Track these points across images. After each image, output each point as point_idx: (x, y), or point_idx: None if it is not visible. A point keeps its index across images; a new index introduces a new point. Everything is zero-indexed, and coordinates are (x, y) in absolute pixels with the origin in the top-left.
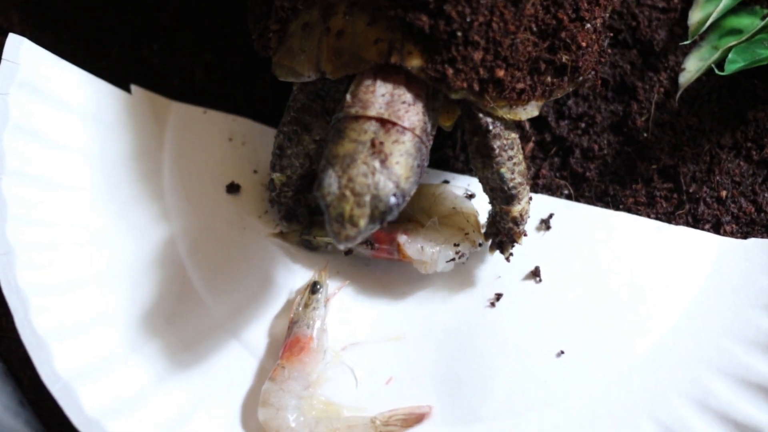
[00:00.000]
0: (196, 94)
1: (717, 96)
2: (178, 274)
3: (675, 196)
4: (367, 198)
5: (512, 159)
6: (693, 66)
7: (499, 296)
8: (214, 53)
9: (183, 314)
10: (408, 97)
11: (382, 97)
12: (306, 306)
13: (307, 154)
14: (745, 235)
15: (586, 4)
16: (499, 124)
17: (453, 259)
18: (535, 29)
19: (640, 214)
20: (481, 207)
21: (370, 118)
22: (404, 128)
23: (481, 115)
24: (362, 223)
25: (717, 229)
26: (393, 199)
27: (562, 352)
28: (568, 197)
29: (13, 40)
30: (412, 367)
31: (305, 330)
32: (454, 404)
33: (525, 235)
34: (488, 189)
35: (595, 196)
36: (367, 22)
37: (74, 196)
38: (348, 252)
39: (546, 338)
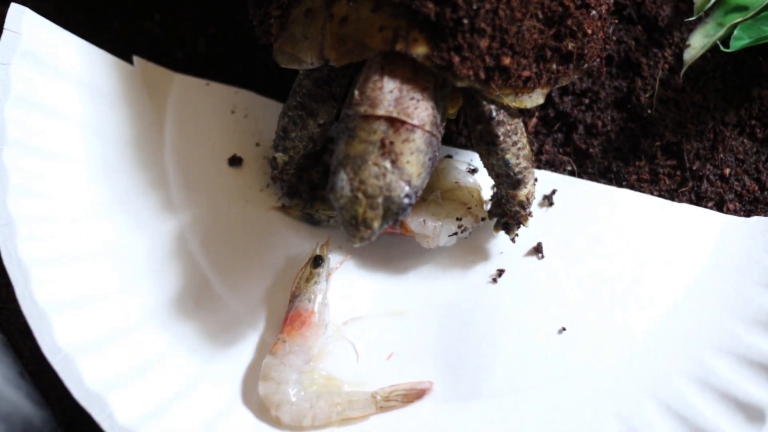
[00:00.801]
0: (198, 66)
1: (722, 73)
2: (180, 247)
3: (678, 173)
4: (380, 199)
5: (516, 144)
6: (698, 42)
7: (501, 272)
8: (217, 25)
9: (184, 288)
10: (416, 91)
11: (390, 93)
12: (307, 280)
13: (311, 137)
14: (748, 213)
15: None
16: (502, 111)
17: (455, 234)
18: (541, 16)
19: (643, 191)
20: (484, 182)
21: (379, 117)
22: (414, 126)
23: (484, 102)
24: (376, 224)
25: (720, 206)
26: (406, 200)
27: (564, 329)
28: (571, 173)
29: (15, 9)
30: (413, 342)
31: (306, 304)
32: (454, 380)
33: (531, 216)
34: (494, 175)
35: (598, 172)
36: (372, 8)
37: (75, 168)
38: None
39: (548, 315)
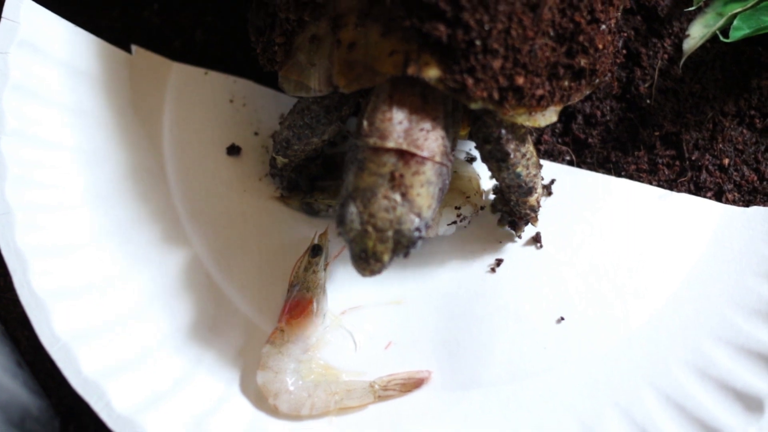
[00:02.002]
0: (196, 55)
1: (721, 63)
2: (177, 235)
3: (677, 163)
4: (390, 233)
5: (525, 155)
6: (697, 32)
7: (499, 261)
8: (215, 14)
9: (182, 277)
10: (426, 121)
11: (399, 124)
12: (306, 269)
13: (314, 148)
14: (747, 204)
15: (600, 5)
16: (511, 128)
17: (454, 222)
18: (552, 34)
19: (642, 181)
20: (483, 171)
21: (388, 150)
22: (424, 158)
23: (492, 123)
24: (386, 258)
25: (719, 197)
26: (416, 233)
27: (563, 319)
28: (570, 163)
29: None
30: (412, 331)
31: (305, 293)
32: (453, 369)
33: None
34: (504, 186)
35: (597, 162)
36: (381, 33)
37: (73, 157)
38: None
39: (546, 304)
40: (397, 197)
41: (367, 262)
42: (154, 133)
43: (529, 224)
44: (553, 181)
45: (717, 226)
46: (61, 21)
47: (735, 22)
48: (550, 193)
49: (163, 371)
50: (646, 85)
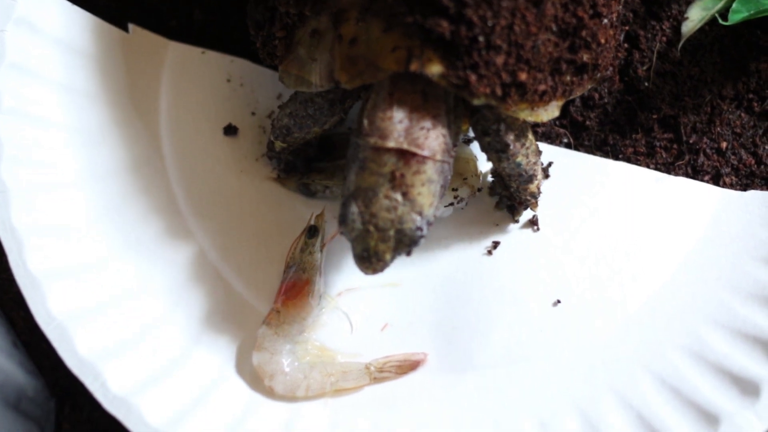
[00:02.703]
0: (193, 34)
1: (719, 46)
2: (174, 216)
3: (675, 146)
4: (392, 232)
5: (525, 144)
6: (696, 15)
7: (496, 244)
8: None
9: (178, 257)
10: (427, 119)
11: (399, 123)
12: (302, 250)
13: (314, 136)
14: (744, 187)
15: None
16: (509, 120)
17: (451, 204)
18: (555, 29)
19: (640, 164)
20: (480, 152)
21: (389, 149)
22: (425, 157)
23: (491, 116)
24: (388, 257)
25: (716, 180)
26: (418, 232)
27: (559, 302)
28: (568, 146)
29: None
30: (408, 313)
31: (301, 274)
32: (449, 352)
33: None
34: (505, 174)
35: (594, 145)
36: (383, 28)
37: (70, 136)
38: None
39: (543, 287)
40: (398, 197)
41: (370, 261)
42: (150, 113)
43: (528, 210)
44: (550, 164)
45: (714, 209)
46: None
47: (734, 5)
48: (547, 176)
49: (159, 352)
50: (645, 67)
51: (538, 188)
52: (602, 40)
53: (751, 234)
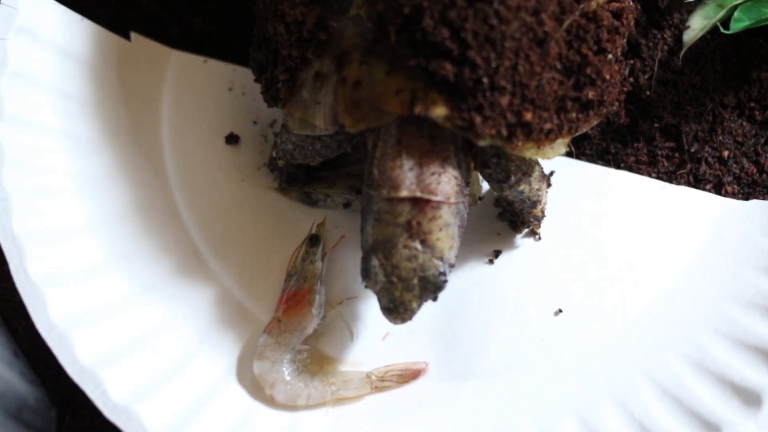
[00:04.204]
0: (195, 43)
1: (721, 55)
2: (175, 225)
3: (677, 155)
4: (415, 281)
5: (527, 172)
6: (697, 24)
7: (498, 253)
8: (214, 2)
9: (179, 265)
10: (436, 164)
11: (410, 171)
12: (303, 259)
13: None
14: (746, 196)
15: (606, 35)
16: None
17: None
18: (559, 67)
19: (641, 173)
20: None
21: (402, 199)
22: (439, 202)
23: (490, 149)
24: (415, 305)
25: (718, 189)
26: (441, 278)
27: (560, 311)
28: (569, 155)
29: None
30: (409, 322)
31: (302, 284)
32: (450, 360)
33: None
34: (509, 201)
35: (596, 154)
36: (386, 71)
37: (71, 144)
38: (347, 205)
39: (544, 296)
40: (417, 245)
41: (398, 312)
42: (152, 121)
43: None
44: (552, 173)
45: (716, 218)
46: (59, 7)
47: (735, 14)
48: (549, 185)
49: (160, 360)
50: (646, 76)
51: (542, 212)
52: (607, 76)
53: (752, 243)
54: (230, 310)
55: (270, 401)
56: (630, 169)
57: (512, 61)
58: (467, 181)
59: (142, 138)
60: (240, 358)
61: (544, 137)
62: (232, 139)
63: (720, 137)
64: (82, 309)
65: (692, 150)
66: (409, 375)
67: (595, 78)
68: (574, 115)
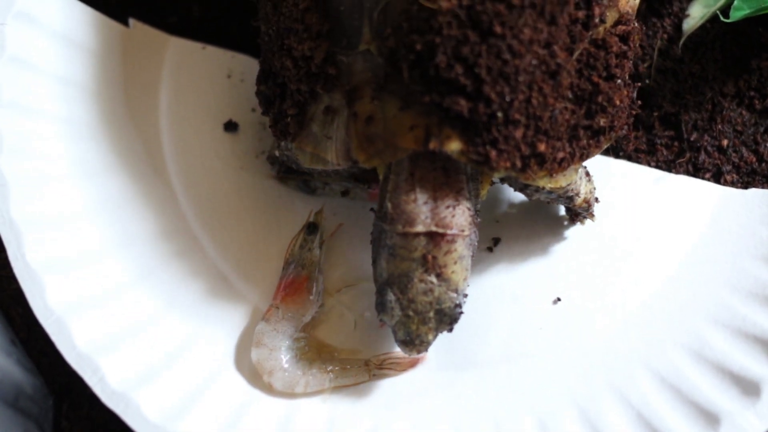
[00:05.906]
0: (194, 29)
1: (721, 44)
2: (173, 211)
3: (676, 144)
4: (431, 314)
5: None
6: (697, 12)
7: (497, 241)
8: None
9: (177, 252)
10: (450, 197)
11: (424, 205)
12: (301, 247)
13: None
14: (745, 185)
15: (615, 60)
16: None
17: None
18: (571, 97)
19: (641, 162)
20: None
21: (417, 234)
22: (454, 236)
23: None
24: (431, 337)
25: (717, 178)
26: (457, 309)
27: (559, 300)
28: None
29: None
30: None
31: (300, 271)
32: (448, 349)
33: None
34: (545, 202)
35: None
36: (399, 107)
37: (69, 129)
38: (345, 193)
39: (543, 285)
40: (433, 278)
41: (414, 344)
42: (150, 108)
43: (531, 201)
44: None
45: (715, 207)
46: None
47: (735, 2)
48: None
49: (157, 347)
50: (646, 65)
51: (587, 201)
52: (617, 102)
53: (752, 232)
54: (228, 298)
55: (268, 388)
56: (629, 158)
57: (526, 94)
58: (477, 209)
59: (140, 124)
60: (238, 345)
61: (557, 166)
62: (230, 126)
63: (719, 126)
64: (80, 295)
65: (691, 139)
66: (407, 363)
67: (606, 105)
68: (585, 142)
